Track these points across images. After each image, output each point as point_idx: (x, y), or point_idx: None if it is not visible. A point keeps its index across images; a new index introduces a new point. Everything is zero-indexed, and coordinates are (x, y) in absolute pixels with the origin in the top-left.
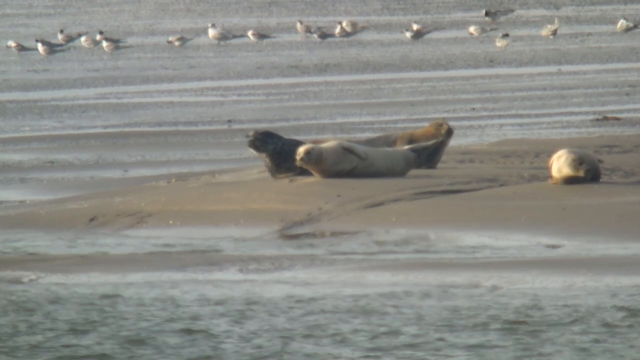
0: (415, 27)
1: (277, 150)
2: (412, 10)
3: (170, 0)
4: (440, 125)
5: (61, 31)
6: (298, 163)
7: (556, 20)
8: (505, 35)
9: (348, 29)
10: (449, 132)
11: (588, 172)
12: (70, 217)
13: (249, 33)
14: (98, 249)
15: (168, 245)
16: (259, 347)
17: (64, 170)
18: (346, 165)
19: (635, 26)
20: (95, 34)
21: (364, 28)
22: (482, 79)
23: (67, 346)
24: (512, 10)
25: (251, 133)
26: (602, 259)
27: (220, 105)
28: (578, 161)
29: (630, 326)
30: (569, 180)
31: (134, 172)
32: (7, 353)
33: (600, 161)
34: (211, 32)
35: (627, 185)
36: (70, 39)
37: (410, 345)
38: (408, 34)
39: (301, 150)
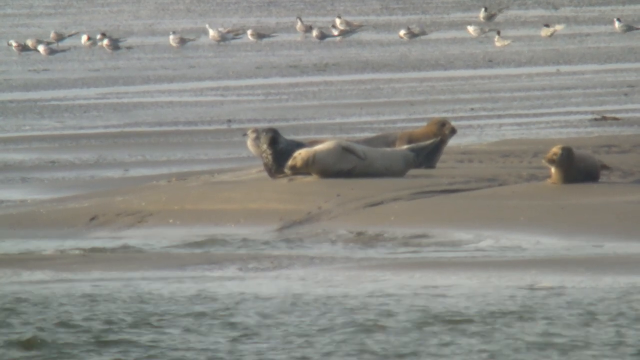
0: (412, 29)
1: (282, 151)
2: (411, 10)
3: (170, 0)
4: (444, 124)
5: (57, 33)
6: (287, 171)
7: (557, 25)
8: (497, 33)
9: (342, 27)
10: (453, 131)
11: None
12: (71, 216)
13: (248, 33)
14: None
15: (168, 244)
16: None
17: (65, 170)
18: (345, 164)
19: (633, 27)
20: (95, 33)
21: (360, 26)
22: (481, 79)
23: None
24: (507, 7)
25: (267, 131)
26: (602, 258)
27: (220, 105)
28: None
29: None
30: (569, 180)
31: (135, 172)
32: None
33: (604, 166)
34: (212, 33)
35: (625, 185)
36: (60, 37)
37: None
38: (402, 32)
39: (289, 160)
